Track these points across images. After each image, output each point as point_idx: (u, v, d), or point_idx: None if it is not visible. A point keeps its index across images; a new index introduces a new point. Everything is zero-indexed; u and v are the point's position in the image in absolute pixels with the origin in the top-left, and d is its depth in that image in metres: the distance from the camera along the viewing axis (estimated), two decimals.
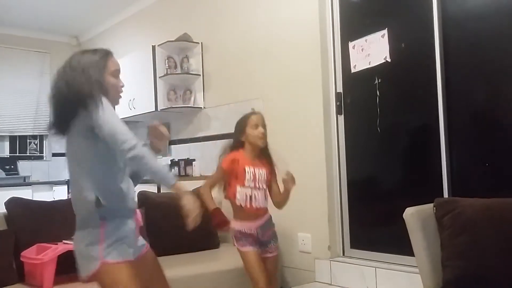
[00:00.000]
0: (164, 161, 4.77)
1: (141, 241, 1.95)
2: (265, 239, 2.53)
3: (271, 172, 2.58)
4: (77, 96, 1.74)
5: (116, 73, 1.91)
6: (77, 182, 1.80)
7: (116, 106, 1.89)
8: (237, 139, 2.53)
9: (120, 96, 1.93)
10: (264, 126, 2.53)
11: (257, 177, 2.48)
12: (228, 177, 2.49)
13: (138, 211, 1.94)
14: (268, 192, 2.57)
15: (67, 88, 1.78)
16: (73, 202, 1.82)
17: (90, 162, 1.79)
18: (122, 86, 1.93)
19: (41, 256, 2.47)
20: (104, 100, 1.74)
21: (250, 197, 2.45)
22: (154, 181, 1.99)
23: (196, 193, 2.30)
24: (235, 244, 2.51)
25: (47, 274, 2.44)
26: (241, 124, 2.53)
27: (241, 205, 2.45)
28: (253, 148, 2.51)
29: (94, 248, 1.73)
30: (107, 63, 1.89)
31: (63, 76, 1.84)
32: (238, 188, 2.45)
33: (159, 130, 1.97)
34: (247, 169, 2.46)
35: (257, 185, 2.48)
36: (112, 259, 1.73)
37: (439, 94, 2.72)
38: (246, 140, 2.50)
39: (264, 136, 2.51)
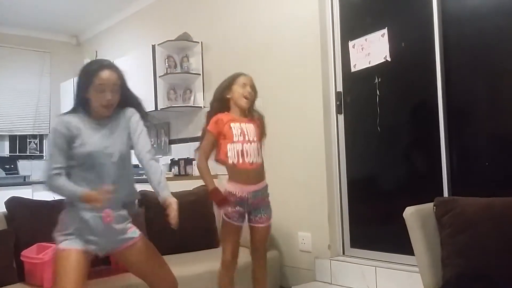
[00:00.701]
0: (164, 160, 4.78)
1: (129, 234, 2.11)
2: (255, 206, 2.41)
3: (259, 127, 2.47)
4: None
5: (101, 87, 2.03)
6: None
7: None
8: (221, 96, 2.43)
9: (105, 109, 2.07)
10: (253, 88, 2.44)
11: (245, 131, 2.37)
12: (216, 140, 2.39)
13: (107, 210, 2.05)
14: (259, 145, 2.43)
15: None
16: None
17: None
18: (108, 100, 2.05)
19: (42, 255, 2.47)
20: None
21: (242, 152, 2.33)
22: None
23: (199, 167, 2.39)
24: (222, 212, 2.41)
25: (47, 274, 2.43)
26: (228, 82, 2.44)
27: (233, 163, 2.33)
28: (237, 109, 2.41)
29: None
30: (93, 79, 2.02)
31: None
32: (228, 146, 2.33)
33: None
34: (232, 125, 2.36)
35: (247, 139, 2.36)
36: (64, 246, 1.99)
37: (439, 93, 2.72)
38: (232, 99, 2.41)
39: (251, 96, 2.41)
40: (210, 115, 2.46)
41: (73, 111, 2.12)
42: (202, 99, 4.42)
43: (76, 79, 2.15)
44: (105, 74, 2.03)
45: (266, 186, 2.48)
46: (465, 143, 2.69)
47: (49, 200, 3.51)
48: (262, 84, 3.72)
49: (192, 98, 4.50)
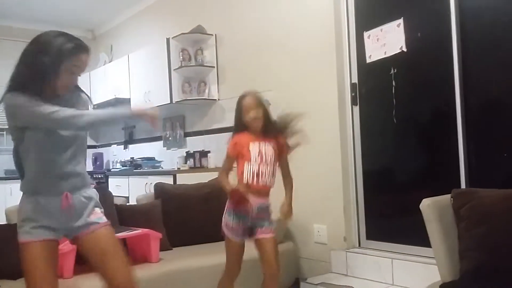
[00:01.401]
0: (179, 153, 4.81)
1: (92, 219, 1.92)
2: (258, 219, 2.40)
3: (280, 145, 2.47)
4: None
5: (75, 69, 1.89)
6: None
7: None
8: (238, 122, 2.48)
9: (66, 90, 1.92)
10: (257, 106, 2.42)
11: (263, 151, 2.40)
12: (236, 160, 2.45)
13: (67, 193, 1.87)
14: (275, 168, 2.46)
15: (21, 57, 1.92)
16: None
17: None
18: (73, 84, 1.94)
19: (61, 246, 2.50)
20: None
21: (257, 173, 2.36)
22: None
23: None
24: (224, 228, 2.42)
25: (66, 264, 2.48)
26: (238, 108, 2.48)
27: (247, 183, 2.36)
28: (254, 131, 2.44)
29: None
30: (71, 58, 1.85)
31: (28, 46, 1.93)
32: (245, 165, 2.38)
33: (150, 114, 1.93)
34: (251, 145, 2.39)
35: (264, 160, 2.39)
36: (25, 239, 1.83)
37: (456, 83, 2.68)
38: (247, 125, 2.45)
39: (257, 117, 2.40)
40: (232, 136, 2.52)
41: (22, 88, 1.87)
42: (216, 91, 4.42)
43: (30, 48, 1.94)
44: (84, 57, 1.88)
45: (269, 205, 2.47)
46: (483, 134, 2.65)
47: None
48: (276, 76, 3.73)
49: (206, 90, 4.51)
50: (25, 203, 1.87)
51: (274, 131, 2.46)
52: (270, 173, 2.41)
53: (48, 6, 5.73)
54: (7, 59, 6.91)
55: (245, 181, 2.37)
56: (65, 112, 1.79)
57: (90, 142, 6.75)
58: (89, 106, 2.05)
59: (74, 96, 1.98)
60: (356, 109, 3.28)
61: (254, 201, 2.36)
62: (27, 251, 1.82)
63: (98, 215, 1.94)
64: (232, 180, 2.48)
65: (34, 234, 1.83)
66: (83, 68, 1.91)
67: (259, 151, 2.40)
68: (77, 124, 1.81)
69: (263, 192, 2.42)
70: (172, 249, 3.08)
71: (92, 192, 1.97)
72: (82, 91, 2.04)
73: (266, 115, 2.46)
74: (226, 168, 2.47)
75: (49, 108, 1.78)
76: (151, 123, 1.91)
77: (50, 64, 1.82)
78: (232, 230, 2.39)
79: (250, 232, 2.41)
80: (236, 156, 2.44)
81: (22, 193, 1.91)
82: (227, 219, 2.41)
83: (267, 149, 2.42)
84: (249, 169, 2.37)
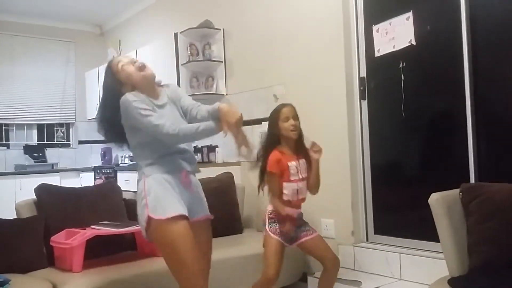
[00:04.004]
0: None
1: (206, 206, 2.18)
2: (299, 225, 2.54)
3: (308, 161, 2.57)
4: None
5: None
6: None
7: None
8: (272, 133, 2.53)
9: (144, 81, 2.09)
10: (295, 118, 2.51)
11: (299, 169, 2.49)
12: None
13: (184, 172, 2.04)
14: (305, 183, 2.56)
15: None
16: None
17: None
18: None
19: (70, 241, 2.54)
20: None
21: (297, 190, 2.48)
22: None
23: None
24: (266, 226, 2.49)
25: (76, 258, 2.50)
26: (273, 118, 2.54)
27: (289, 201, 2.47)
28: (287, 141, 2.51)
29: None
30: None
31: None
32: (285, 184, 2.46)
33: (244, 136, 1.92)
34: (289, 164, 2.47)
35: (300, 177, 2.49)
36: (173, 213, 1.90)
37: (466, 77, 2.66)
38: (280, 133, 2.50)
39: (295, 128, 2.49)
40: (265, 151, 2.51)
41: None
42: (224, 86, 4.42)
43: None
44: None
45: (302, 213, 2.60)
46: (493, 128, 2.63)
47: (76, 187, 3.60)
48: (284, 71, 3.72)
49: (214, 85, 4.51)
50: (153, 181, 1.98)
51: (304, 145, 2.54)
52: (305, 187, 2.53)
53: (56, 1, 5.75)
54: (17, 55, 6.95)
55: (286, 198, 2.46)
56: (166, 128, 1.89)
57: (98, 137, 6.80)
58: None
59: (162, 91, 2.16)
60: (365, 103, 3.27)
61: (295, 211, 2.50)
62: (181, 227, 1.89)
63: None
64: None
65: (181, 207, 1.96)
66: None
67: (297, 168, 2.48)
68: (173, 141, 1.97)
69: (299, 205, 2.55)
70: None
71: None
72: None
73: (300, 128, 2.53)
74: (276, 192, 2.48)
75: (155, 120, 1.91)
76: (235, 140, 1.89)
77: None
78: (281, 233, 2.46)
79: (291, 240, 2.51)
80: (280, 173, 2.47)
81: None
82: (272, 227, 2.48)
83: (302, 164, 2.51)
84: (289, 188, 2.46)
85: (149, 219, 1.87)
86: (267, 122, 2.59)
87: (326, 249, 2.52)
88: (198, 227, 2.02)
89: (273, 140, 2.52)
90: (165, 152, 1.99)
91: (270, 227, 2.48)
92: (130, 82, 2.06)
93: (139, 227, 2.02)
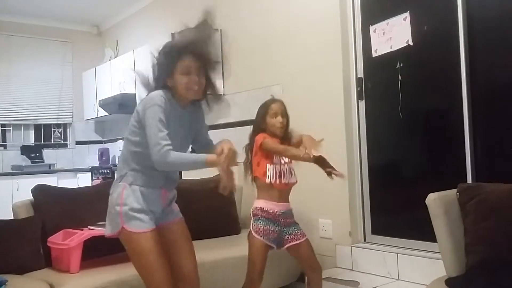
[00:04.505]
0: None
1: (176, 212, 2.20)
2: (286, 224, 2.48)
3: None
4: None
5: (185, 70, 1.98)
6: None
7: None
8: (258, 126, 2.51)
9: (190, 93, 2.03)
10: (283, 115, 2.50)
11: None
12: (258, 157, 2.46)
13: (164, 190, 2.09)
14: (292, 166, 2.51)
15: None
16: None
17: None
18: (194, 83, 2.00)
19: (68, 241, 2.53)
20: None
21: (279, 173, 2.43)
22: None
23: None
24: (251, 224, 2.43)
25: (73, 259, 2.50)
26: (261, 112, 2.52)
27: (270, 182, 2.41)
28: (272, 136, 2.49)
29: None
30: (177, 63, 1.99)
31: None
32: (268, 166, 2.42)
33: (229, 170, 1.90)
34: None
35: (283, 162, 2.45)
36: (137, 229, 1.98)
37: (463, 78, 2.66)
38: (266, 128, 2.49)
39: (282, 125, 2.47)
40: (251, 139, 2.51)
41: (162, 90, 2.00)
42: (221, 86, 4.42)
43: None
44: (188, 61, 2.00)
45: (291, 209, 2.52)
46: (490, 128, 2.63)
47: (73, 188, 3.60)
48: (281, 71, 3.72)
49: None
50: (130, 192, 2.02)
51: (289, 140, 2.51)
52: (289, 172, 2.46)
53: (53, 1, 5.74)
54: (14, 55, 6.94)
55: (268, 180, 2.42)
56: (163, 153, 1.87)
57: (96, 137, 6.79)
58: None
59: (196, 105, 2.15)
60: (362, 103, 3.27)
61: (280, 207, 2.42)
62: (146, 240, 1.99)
63: (178, 209, 2.22)
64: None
65: (147, 223, 2.03)
66: (193, 75, 2.00)
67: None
68: (161, 168, 1.93)
69: (285, 192, 2.47)
70: None
71: None
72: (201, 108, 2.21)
73: (288, 125, 2.51)
74: (281, 147, 2.40)
75: (162, 138, 1.87)
76: (225, 180, 1.84)
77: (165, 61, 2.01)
78: (264, 234, 2.38)
79: (278, 240, 2.44)
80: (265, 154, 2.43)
81: None
82: (256, 224, 2.41)
83: None
84: (272, 169, 2.42)
85: (122, 228, 1.97)
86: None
87: (310, 257, 2.47)
88: (172, 226, 2.14)
89: (258, 130, 2.49)
90: (152, 165, 1.94)
91: (254, 225, 2.41)
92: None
93: None
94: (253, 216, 2.44)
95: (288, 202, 2.50)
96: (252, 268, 2.39)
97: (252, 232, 2.41)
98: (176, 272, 2.09)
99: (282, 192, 2.45)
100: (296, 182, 2.50)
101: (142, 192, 1.98)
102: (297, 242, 2.44)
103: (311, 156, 2.26)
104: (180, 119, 2.05)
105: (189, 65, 1.99)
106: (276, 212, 2.42)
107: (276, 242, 2.44)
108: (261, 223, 2.39)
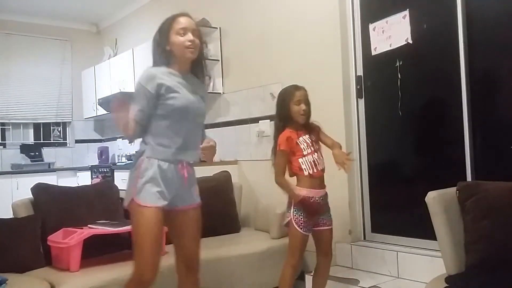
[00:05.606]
0: None
1: (196, 196, 2.19)
2: (322, 210, 2.53)
3: (316, 132, 2.60)
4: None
5: (181, 31, 2.10)
6: None
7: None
8: (282, 114, 2.54)
9: (189, 52, 2.10)
10: (306, 102, 2.54)
11: (309, 142, 2.51)
12: (288, 156, 2.51)
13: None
14: (320, 150, 2.58)
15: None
16: None
17: None
18: (190, 41, 2.09)
19: (67, 240, 2.53)
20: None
21: (314, 162, 2.48)
22: None
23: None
24: (291, 212, 2.47)
25: (73, 258, 2.50)
26: (285, 99, 2.55)
27: (310, 174, 2.47)
28: (295, 123, 2.53)
29: None
30: (172, 24, 2.14)
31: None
32: (301, 160, 2.48)
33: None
34: (300, 140, 2.49)
35: (313, 149, 2.51)
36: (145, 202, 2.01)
37: (462, 76, 2.66)
38: (289, 115, 2.52)
39: (305, 113, 2.51)
40: (278, 133, 2.55)
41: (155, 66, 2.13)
42: (221, 85, 4.42)
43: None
44: (183, 19, 2.15)
45: (327, 193, 2.58)
46: (489, 127, 2.64)
47: (73, 186, 3.59)
48: (281, 69, 3.72)
49: (211, 84, 4.49)
50: (147, 164, 2.05)
51: (310, 125, 2.59)
52: (321, 158, 2.54)
53: (53, 0, 5.73)
54: (13, 54, 6.94)
55: (306, 173, 2.47)
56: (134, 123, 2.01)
57: (95, 136, 6.79)
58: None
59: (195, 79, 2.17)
60: (361, 102, 3.27)
61: (319, 193, 2.49)
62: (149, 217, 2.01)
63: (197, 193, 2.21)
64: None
65: (156, 199, 2.04)
66: (189, 34, 2.10)
67: (306, 142, 2.51)
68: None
69: (322, 179, 2.54)
70: None
71: None
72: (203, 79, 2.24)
73: (310, 113, 2.57)
74: (282, 167, 2.50)
75: (138, 108, 2.01)
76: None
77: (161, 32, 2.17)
78: (304, 225, 2.45)
79: (314, 224, 2.51)
80: (289, 151, 2.49)
81: None
82: (297, 216, 2.46)
83: (309, 138, 2.54)
84: (306, 162, 2.48)
85: (132, 200, 2.00)
86: (275, 104, 2.60)
87: (329, 243, 2.55)
88: (184, 215, 2.12)
89: (283, 120, 2.54)
90: (173, 139, 2.02)
91: (295, 217, 2.46)
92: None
93: None
94: (294, 206, 2.48)
95: (324, 186, 2.57)
96: (294, 254, 2.49)
97: (294, 223, 2.46)
98: (180, 254, 2.16)
99: (321, 178, 2.53)
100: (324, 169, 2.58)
101: (160, 166, 2.00)
102: (326, 228, 2.53)
103: (298, 199, 2.44)
104: (186, 87, 2.08)
105: (184, 26, 2.11)
106: (317, 199, 2.49)
107: (310, 230, 2.52)
108: (302, 215, 2.45)
